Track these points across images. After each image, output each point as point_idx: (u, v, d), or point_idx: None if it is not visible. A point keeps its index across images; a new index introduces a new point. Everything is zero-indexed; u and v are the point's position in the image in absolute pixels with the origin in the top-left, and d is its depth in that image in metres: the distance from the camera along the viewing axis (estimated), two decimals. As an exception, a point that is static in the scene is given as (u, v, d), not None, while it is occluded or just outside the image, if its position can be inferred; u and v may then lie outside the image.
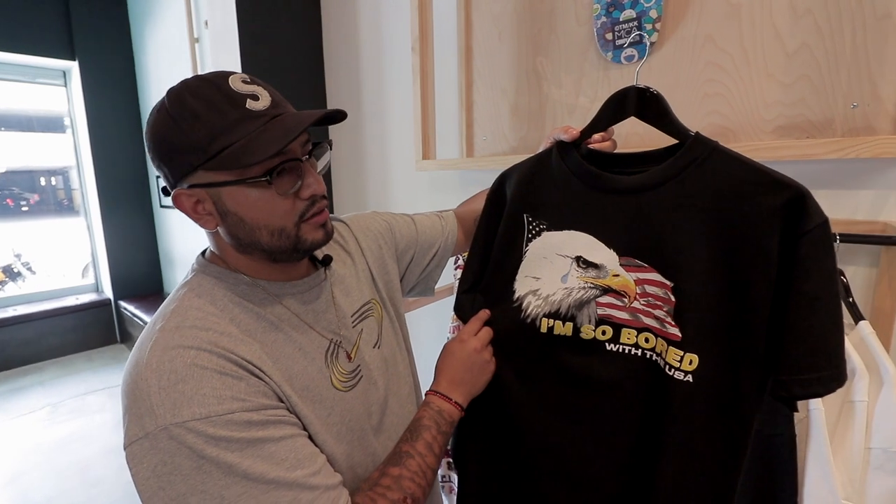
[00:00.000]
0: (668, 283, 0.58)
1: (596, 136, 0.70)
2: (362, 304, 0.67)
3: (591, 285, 0.63)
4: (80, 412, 2.67)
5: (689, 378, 0.55)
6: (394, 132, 1.66)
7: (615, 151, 0.73)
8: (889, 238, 0.74)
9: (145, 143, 0.51)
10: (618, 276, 0.61)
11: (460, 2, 1.32)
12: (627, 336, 0.61)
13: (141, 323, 3.24)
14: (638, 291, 0.60)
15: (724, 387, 0.54)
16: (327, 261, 0.65)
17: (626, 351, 0.61)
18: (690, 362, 0.55)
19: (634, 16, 0.99)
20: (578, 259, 0.64)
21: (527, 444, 0.67)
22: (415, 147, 1.41)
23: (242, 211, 0.51)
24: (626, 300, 0.61)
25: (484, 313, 0.72)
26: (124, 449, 0.44)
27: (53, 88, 3.48)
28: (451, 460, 0.75)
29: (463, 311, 0.76)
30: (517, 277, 0.70)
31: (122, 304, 3.54)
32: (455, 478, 1.26)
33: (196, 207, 0.51)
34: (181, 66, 2.69)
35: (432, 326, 1.58)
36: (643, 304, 0.60)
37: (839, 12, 0.79)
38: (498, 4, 1.24)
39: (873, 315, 0.78)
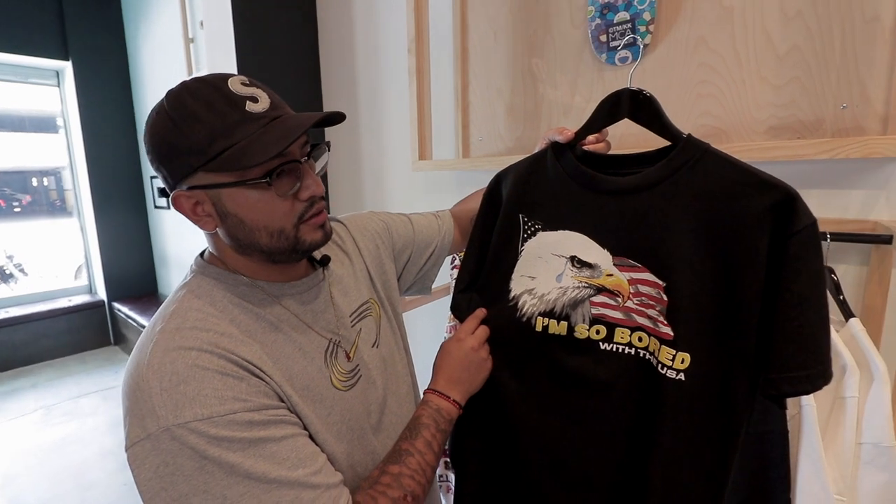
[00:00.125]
0: (660, 282, 0.58)
1: (590, 138, 0.71)
2: (360, 303, 0.68)
3: (586, 285, 0.64)
4: (73, 415, 2.66)
5: (682, 377, 0.56)
6: (390, 133, 1.67)
7: (609, 153, 0.74)
8: (879, 237, 0.75)
9: (144, 145, 0.51)
10: (612, 275, 0.62)
11: (456, 3, 1.32)
12: (621, 335, 0.62)
13: (135, 324, 3.22)
14: (631, 291, 0.61)
15: (715, 385, 0.55)
16: (325, 261, 0.65)
17: (620, 350, 0.62)
18: (682, 361, 0.56)
19: (628, 18, 1.00)
20: (573, 259, 0.65)
21: (523, 442, 0.68)
22: (411, 147, 1.42)
23: (242, 212, 0.51)
24: (619, 299, 0.62)
25: (480, 312, 0.73)
26: (126, 450, 0.44)
27: (46, 88, 3.45)
28: (448, 460, 0.75)
29: (460, 311, 0.76)
30: (513, 277, 0.71)
31: (116, 305, 3.52)
32: (452, 477, 1.27)
33: (195, 209, 0.52)
34: (176, 67, 2.68)
35: (429, 326, 1.58)
36: (636, 304, 0.61)
37: (829, 15, 0.80)
38: (493, 6, 1.25)
39: (863, 312, 0.80)
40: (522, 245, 0.70)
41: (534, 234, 0.69)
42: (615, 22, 1.02)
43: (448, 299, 0.92)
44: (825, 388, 0.53)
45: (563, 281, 0.66)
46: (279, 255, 0.55)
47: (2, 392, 2.95)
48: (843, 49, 0.80)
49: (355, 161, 1.83)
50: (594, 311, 0.63)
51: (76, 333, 3.53)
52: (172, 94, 0.49)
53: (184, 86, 0.50)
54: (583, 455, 0.64)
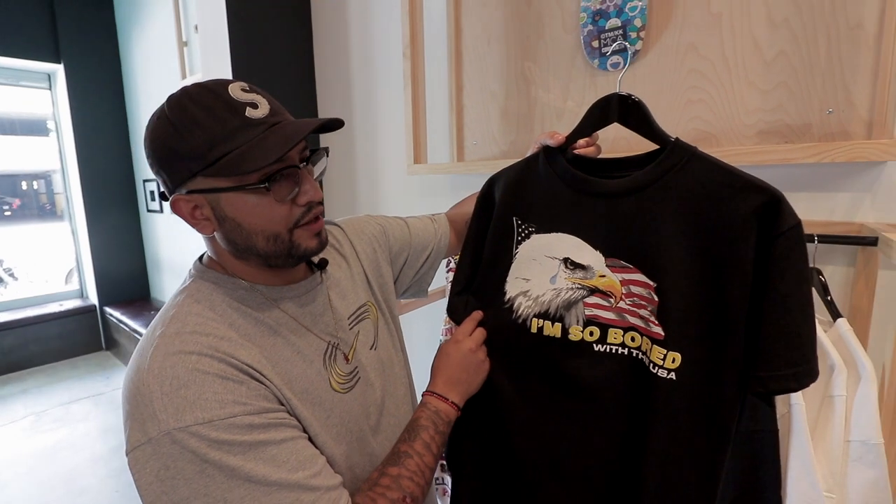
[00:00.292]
0: (651, 283, 0.60)
1: (581, 142, 0.72)
2: (358, 306, 0.68)
3: (579, 286, 0.65)
4: (64, 421, 2.63)
5: (673, 376, 0.57)
6: (385, 137, 1.67)
7: (599, 157, 0.75)
8: (864, 238, 0.77)
9: (144, 149, 0.52)
10: (604, 276, 0.63)
11: (450, 7, 1.33)
12: (614, 336, 0.63)
13: (127, 329, 3.19)
14: (623, 292, 0.62)
15: (705, 384, 0.56)
16: (323, 264, 0.66)
17: (613, 350, 0.63)
18: (673, 360, 0.57)
19: (619, 24, 1.02)
20: (566, 260, 0.66)
21: (519, 443, 0.69)
22: (406, 152, 1.42)
23: (240, 216, 0.52)
24: (612, 300, 0.63)
25: (477, 314, 0.73)
26: (126, 455, 0.45)
27: (37, 91, 3.43)
28: (444, 462, 0.76)
29: (456, 313, 0.77)
30: (508, 279, 0.71)
31: (108, 310, 3.49)
32: (448, 480, 1.27)
33: (194, 213, 0.52)
34: (169, 70, 2.67)
35: (425, 329, 1.59)
36: (629, 304, 0.62)
37: (814, 22, 0.82)
38: (487, 10, 1.26)
39: (851, 312, 0.81)
40: (516, 248, 0.71)
41: (527, 236, 0.70)
42: (607, 28, 1.04)
43: (444, 302, 0.93)
44: (814, 387, 0.54)
45: (557, 282, 0.67)
46: (275, 259, 0.55)
47: (-9, 398, 2.92)
48: (829, 55, 0.82)
49: (350, 165, 1.83)
50: (587, 312, 0.64)
51: (67, 338, 3.49)
52: (173, 100, 0.50)
53: (185, 91, 0.50)
54: (578, 455, 0.65)
